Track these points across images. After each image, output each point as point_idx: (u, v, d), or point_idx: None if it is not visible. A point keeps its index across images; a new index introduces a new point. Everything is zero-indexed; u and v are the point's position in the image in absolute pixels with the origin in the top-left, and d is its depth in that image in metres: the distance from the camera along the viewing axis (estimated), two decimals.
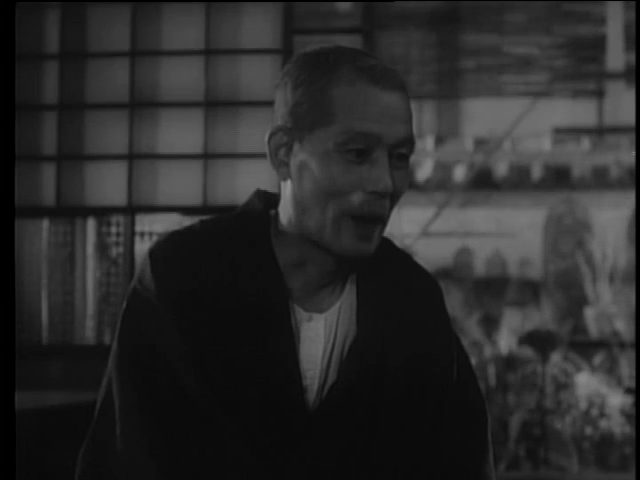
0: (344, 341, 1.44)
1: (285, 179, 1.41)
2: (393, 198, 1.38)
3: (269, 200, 1.47)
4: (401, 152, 1.38)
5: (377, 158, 1.35)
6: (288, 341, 1.40)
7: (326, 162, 1.36)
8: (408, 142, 1.38)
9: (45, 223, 3.92)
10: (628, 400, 5.86)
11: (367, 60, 1.37)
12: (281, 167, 1.41)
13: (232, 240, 1.43)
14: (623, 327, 6.75)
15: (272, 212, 1.46)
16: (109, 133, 3.92)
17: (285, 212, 1.42)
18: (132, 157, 3.90)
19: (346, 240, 1.37)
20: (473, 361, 1.59)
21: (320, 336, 1.43)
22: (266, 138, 1.41)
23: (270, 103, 1.47)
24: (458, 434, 1.49)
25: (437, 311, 1.52)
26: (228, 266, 1.41)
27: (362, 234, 1.37)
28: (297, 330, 1.42)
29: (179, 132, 3.90)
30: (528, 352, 6.19)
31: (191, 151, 3.89)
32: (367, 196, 1.35)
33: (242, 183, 3.86)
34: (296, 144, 1.38)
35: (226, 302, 1.39)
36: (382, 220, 1.38)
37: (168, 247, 1.43)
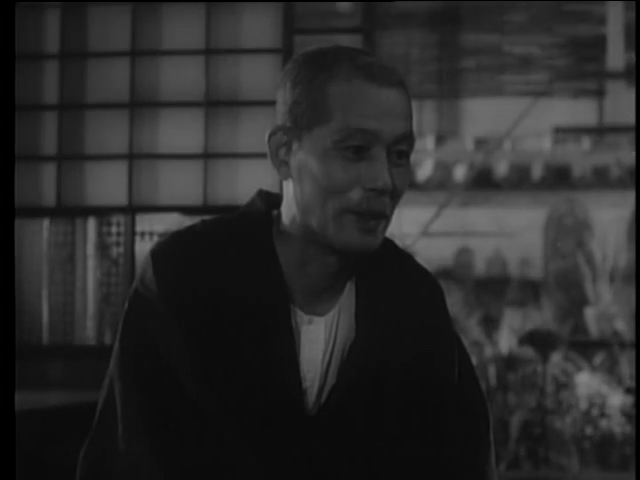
0: (344, 344, 1.44)
1: (286, 178, 1.41)
2: (394, 195, 1.38)
3: (271, 200, 1.47)
4: (400, 149, 1.37)
5: (376, 155, 1.35)
6: (288, 344, 1.40)
7: (324, 160, 1.35)
8: (407, 139, 1.38)
9: (45, 223, 3.92)
10: (628, 400, 5.86)
11: (365, 58, 1.37)
12: (281, 167, 1.40)
13: (234, 241, 1.43)
14: (623, 327, 6.75)
15: (274, 212, 1.45)
16: (109, 133, 3.92)
17: (287, 212, 1.42)
18: (132, 157, 3.90)
19: (349, 234, 1.36)
20: (473, 361, 1.58)
21: (320, 339, 1.43)
22: (266, 137, 1.41)
23: (270, 103, 1.47)
24: (459, 435, 1.49)
25: (438, 312, 1.52)
26: (230, 267, 1.41)
27: (365, 228, 1.36)
28: (297, 333, 1.42)
29: (179, 132, 3.90)
30: (528, 352, 6.19)
31: (191, 151, 3.89)
32: (366, 193, 1.35)
33: (243, 183, 3.86)
34: (295, 143, 1.38)
35: (227, 303, 1.39)
36: (384, 216, 1.37)
37: (170, 247, 1.42)
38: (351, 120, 1.34)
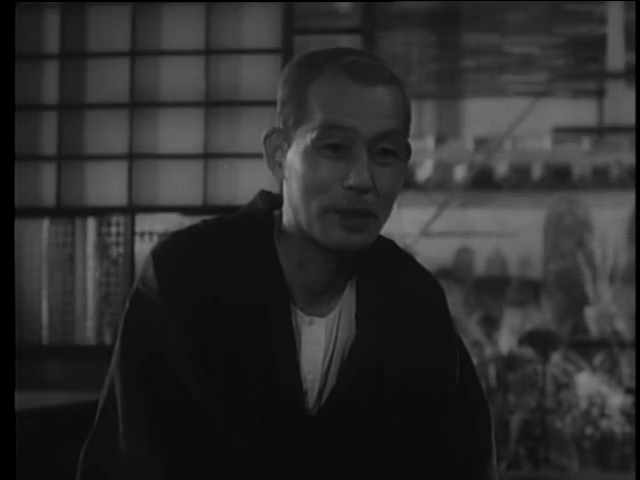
0: (344, 344, 1.43)
1: (281, 179, 1.41)
2: (381, 194, 1.36)
3: (273, 201, 1.47)
4: (384, 147, 1.36)
5: (355, 153, 1.34)
6: (289, 345, 1.40)
7: (307, 159, 1.35)
8: (390, 137, 1.35)
9: (45, 223, 3.92)
10: (628, 400, 5.85)
11: (353, 57, 1.36)
12: (276, 168, 1.41)
13: (235, 241, 1.43)
14: (623, 327, 6.75)
15: (275, 213, 1.45)
16: (109, 133, 3.92)
17: (286, 212, 1.42)
18: (132, 157, 3.90)
19: (333, 233, 1.35)
20: (474, 361, 1.58)
21: (321, 340, 1.43)
22: (262, 140, 1.42)
23: (271, 103, 1.48)
24: (460, 436, 1.49)
25: (439, 313, 1.51)
26: (231, 267, 1.40)
27: (349, 226, 1.35)
28: (298, 334, 1.41)
29: (179, 132, 3.90)
30: (528, 352, 6.19)
31: (191, 151, 3.89)
32: (346, 191, 1.34)
33: (242, 183, 3.86)
34: (285, 144, 1.39)
35: (228, 304, 1.39)
36: (370, 214, 1.36)
37: (171, 247, 1.42)
38: (328, 117, 1.34)
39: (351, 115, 1.33)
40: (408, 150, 1.41)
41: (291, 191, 1.38)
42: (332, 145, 1.34)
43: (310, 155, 1.35)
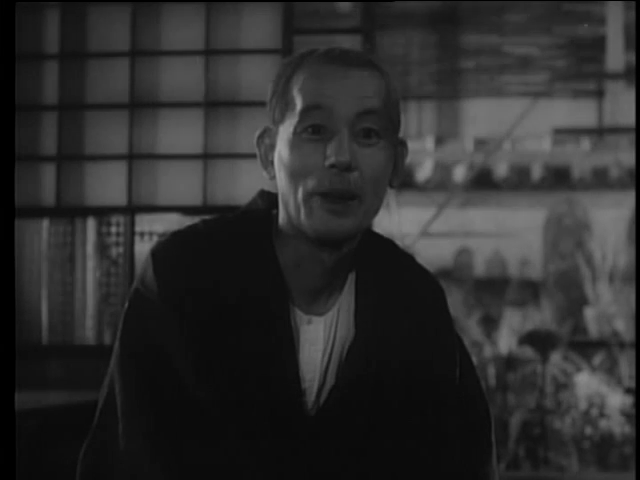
0: (343, 344, 1.43)
1: (273, 178, 1.42)
2: (366, 175, 1.35)
3: (273, 200, 1.47)
4: (367, 127, 1.36)
5: (336, 132, 1.35)
6: (288, 344, 1.40)
7: (291, 146, 1.36)
8: (370, 116, 1.35)
9: (45, 223, 3.92)
10: (628, 400, 5.86)
11: (335, 48, 1.38)
12: (269, 167, 1.42)
13: (234, 240, 1.43)
14: (623, 327, 6.76)
15: (275, 212, 1.46)
16: (109, 133, 3.92)
17: (280, 210, 1.43)
18: (132, 157, 3.90)
19: (317, 217, 1.35)
20: (473, 361, 1.58)
21: (319, 339, 1.43)
22: (254, 140, 1.43)
23: None
24: (460, 436, 1.48)
25: (439, 313, 1.51)
26: (230, 266, 1.41)
27: (332, 209, 1.35)
28: (297, 333, 1.42)
29: (179, 132, 3.90)
30: (528, 352, 6.20)
31: (191, 151, 3.89)
32: (328, 172, 1.34)
33: (242, 183, 3.86)
34: (275, 140, 1.40)
35: (227, 303, 1.39)
36: (352, 195, 1.35)
37: (170, 247, 1.42)
38: (307, 101, 1.35)
39: (328, 96, 1.34)
40: (395, 134, 1.41)
41: (281, 184, 1.39)
42: (312, 126, 1.35)
43: (293, 142, 1.36)
